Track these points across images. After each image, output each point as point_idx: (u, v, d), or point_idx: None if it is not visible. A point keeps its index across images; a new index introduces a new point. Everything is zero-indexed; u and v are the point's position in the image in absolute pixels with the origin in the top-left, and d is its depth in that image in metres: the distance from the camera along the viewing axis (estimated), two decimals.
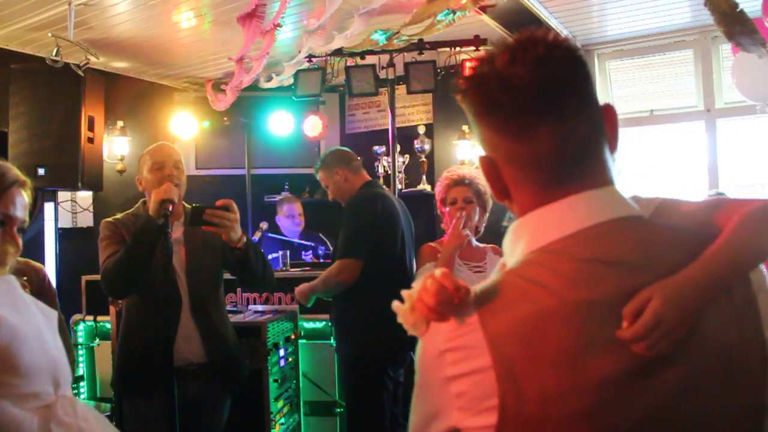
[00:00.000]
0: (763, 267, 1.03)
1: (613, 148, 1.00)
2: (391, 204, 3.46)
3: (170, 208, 2.63)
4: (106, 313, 4.09)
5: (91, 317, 4.35)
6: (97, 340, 4.36)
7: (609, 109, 0.99)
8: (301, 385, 4.02)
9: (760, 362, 0.92)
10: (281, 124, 5.70)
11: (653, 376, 0.88)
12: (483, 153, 1.01)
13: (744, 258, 0.95)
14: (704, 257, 0.93)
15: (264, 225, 5.15)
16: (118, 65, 5.28)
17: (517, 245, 0.99)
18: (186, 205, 2.93)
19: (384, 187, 3.78)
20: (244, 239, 2.73)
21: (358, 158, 3.65)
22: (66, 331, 2.74)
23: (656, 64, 5.37)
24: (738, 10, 2.53)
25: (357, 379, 3.39)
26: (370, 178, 3.62)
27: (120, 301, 3.68)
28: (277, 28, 3.11)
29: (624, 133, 4.74)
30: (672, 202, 1.17)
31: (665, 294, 0.89)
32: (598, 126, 0.97)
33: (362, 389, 3.37)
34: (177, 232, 2.84)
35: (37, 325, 1.64)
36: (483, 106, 0.95)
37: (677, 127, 5.33)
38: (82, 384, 4.33)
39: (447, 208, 2.97)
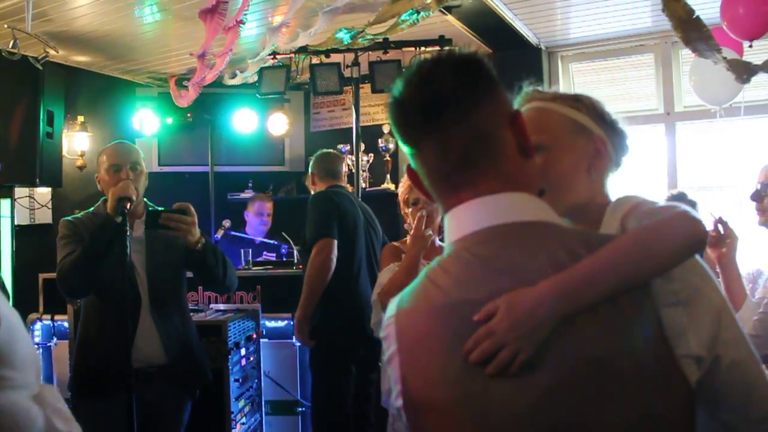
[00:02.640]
0: (712, 274, 1.04)
1: (527, 152, 1.04)
2: (346, 201, 3.61)
3: (128, 206, 2.60)
4: (64, 312, 4.03)
5: (48, 316, 4.27)
6: (55, 339, 4.28)
7: (514, 116, 1.04)
8: (263, 384, 4.00)
9: (653, 373, 0.93)
10: (245, 122, 5.64)
11: (516, 378, 0.93)
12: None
13: (608, 277, 0.93)
14: (566, 272, 0.94)
15: (227, 223, 5.11)
16: (79, 59, 5.18)
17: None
18: (148, 203, 2.89)
19: (346, 190, 3.87)
20: (203, 241, 2.70)
21: (339, 166, 3.83)
22: None
23: (618, 68, 5.46)
24: (694, 16, 2.58)
25: (323, 367, 3.55)
26: (336, 184, 3.76)
27: (78, 301, 3.62)
28: (240, 24, 3.08)
29: None
30: (640, 205, 1.22)
31: (508, 305, 0.93)
32: (488, 136, 1.01)
33: (328, 376, 3.53)
34: (138, 230, 2.81)
35: (18, 316, 1.69)
36: (392, 126, 1.08)
37: (638, 130, 5.42)
38: None
39: (410, 209, 2.98)
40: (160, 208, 2.70)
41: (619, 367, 0.92)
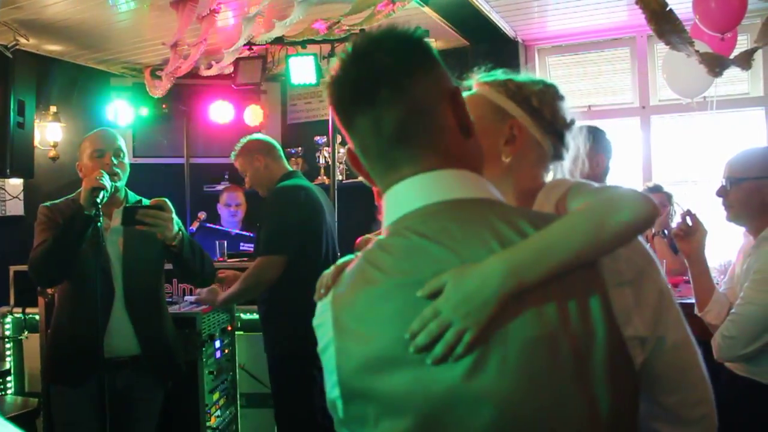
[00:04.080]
0: (655, 257, 1.02)
1: (467, 131, 1.02)
2: (314, 196, 3.41)
3: (101, 197, 2.57)
4: (35, 304, 3.96)
5: (19, 309, 4.20)
6: (26, 332, 4.22)
7: (454, 96, 1.02)
8: (237, 376, 3.97)
9: (602, 354, 0.90)
10: (221, 113, 5.60)
11: (462, 360, 0.89)
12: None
13: (561, 253, 0.91)
14: (515, 247, 0.91)
15: (202, 215, 5.07)
16: (51, 48, 5.09)
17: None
18: (128, 191, 2.87)
19: (304, 177, 3.66)
20: (180, 236, 2.69)
21: (278, 147, 3.57)
22: None
23: (595, 61, 5.49)
24: (667, 9, 2.60)
25: (286, 377, 3.38)
26: (290, 168, 3.55)
27: (49, 292, 3.58)
28: (215, 14, 3.05)
29: None
30: (580, 186, 1.19)
31: (454, 282, 0.90)
32: (424, 112, 0.99)
33: (291, 386, 3.35)
34: (116, 221, 2.78)
35: None
36: (330, 105, 1.05)
37: (614, 123, 5.45)
38: (9, 378, 4.19)
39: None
40: (137, 204, 2.68)
41: (568, 348, 0.89)
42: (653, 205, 0.99)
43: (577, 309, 0.90)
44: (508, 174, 1.27)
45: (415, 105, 0.98)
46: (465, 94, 1.27)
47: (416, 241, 0.94)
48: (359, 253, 1.02)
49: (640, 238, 1.03)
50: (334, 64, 1.02)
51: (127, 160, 2.82)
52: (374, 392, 0.92)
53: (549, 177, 1.35)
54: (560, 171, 1.36)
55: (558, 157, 1.34)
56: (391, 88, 0.97)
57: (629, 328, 0.92)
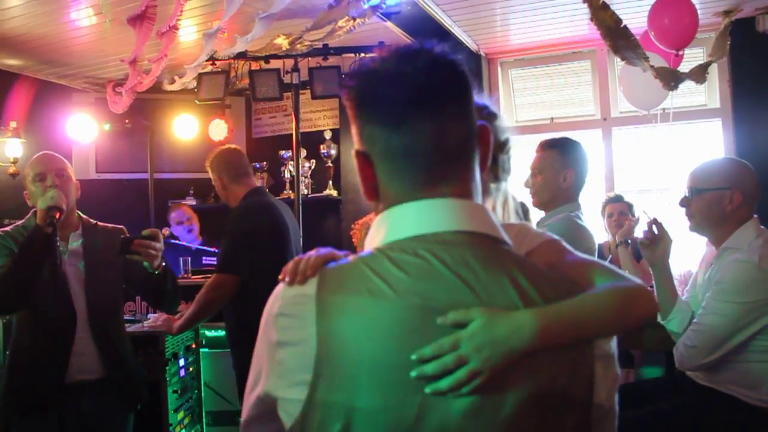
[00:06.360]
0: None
1: (483, 166, 1.03)
2: (278, 214, 3.38)
3: (57, 216, 2.52)
4: None
5: None
6: None
7: (484, 129, 1.02)
8: (203, 394, 3.93)
9: (578, 415, 0.95)
10: (186, 128, 5.56)
11: (459, 398, 0.90)
12: (358, 148, 1.01)
13: (587, 327, 0.96)
14: (549, 309, 0.93)
15: (166, 231, 5.02)
16: (10, 62, 5.02)
17: (376, 237, 1.00)
18: (81, 214, 2.83)
19: (270, 194, 3.65)
20: (163, 264, 2.68)
21: (244, 158, 3.51)
22: None
23: (557, 74, 5.56)
24: (622, 25, 2.65)
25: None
26: (254, 186, 3.48)
27: (8, 316, 3.50)
28: (174, 30, 3.03)
29: (526, 140, 4.88)
30: (555, 244, 1.19)
31: (485, 323, 0.90)
32: (473, 139, 1.00)
33: None
34: (74, 244, 2.74)
35: None
36: (368, 99, 0.98)
37: (576, 135, 5.51)
38: None
39: None
40: (132, 236, 2.67)
41: (554, 405, 0.92)
42: (657, 308, 1.10)
43: (570, 372, 0.94)
44: None
45: (472, 129, 0.99)
46: None
47: (436, 265, 0.92)
48: (353, 257, 0.98)
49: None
50: (387, 59, 0.97)
51: (73, 179, 2.78)
52: (356, 406, 0.89)
53: (488, 202, 1.32)
54: (501, 190, 1.34)
55: (497, 179, 1.33)
56: (460, 104, 0.97)
57: (597, 396, 0.96)
